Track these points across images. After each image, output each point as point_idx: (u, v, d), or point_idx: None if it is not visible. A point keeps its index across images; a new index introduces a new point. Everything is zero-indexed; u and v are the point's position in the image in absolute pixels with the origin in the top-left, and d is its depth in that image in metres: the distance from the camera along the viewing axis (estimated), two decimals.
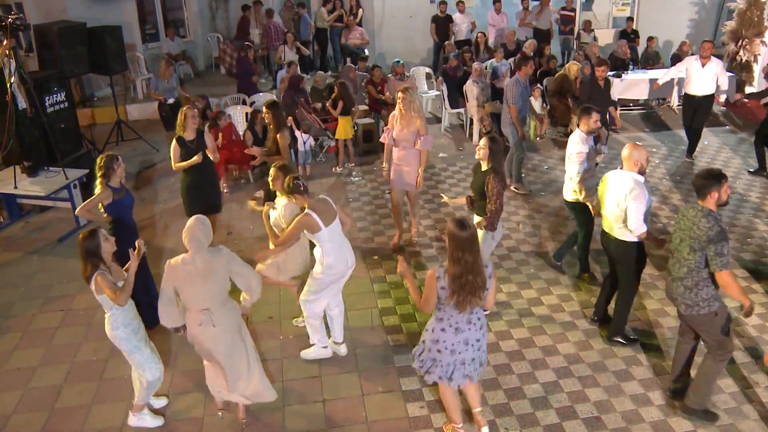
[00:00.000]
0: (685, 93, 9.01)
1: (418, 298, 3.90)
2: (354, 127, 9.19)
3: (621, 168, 4.79)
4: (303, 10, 13.44)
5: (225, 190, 8.20)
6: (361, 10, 13.67)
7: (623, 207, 4.68)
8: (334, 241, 4.72)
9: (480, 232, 5.10)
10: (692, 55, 9.44)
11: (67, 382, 4.95)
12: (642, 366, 4.97)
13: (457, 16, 13.26)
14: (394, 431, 4.42)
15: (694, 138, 9.14)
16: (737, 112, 11.14)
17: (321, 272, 4.79)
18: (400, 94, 6.50)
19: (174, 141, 6.05)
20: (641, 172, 4.70)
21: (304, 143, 8.65)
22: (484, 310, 4.01)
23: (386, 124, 10.06)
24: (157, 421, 4.51)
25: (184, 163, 5.98)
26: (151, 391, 4.45)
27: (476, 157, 5.28)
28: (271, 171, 5.19)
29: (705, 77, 8.70)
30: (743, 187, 8.22)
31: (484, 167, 5.22)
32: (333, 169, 9.00)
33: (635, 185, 4.63)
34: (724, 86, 8.98)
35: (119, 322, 4.15)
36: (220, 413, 4.59)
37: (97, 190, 5.04)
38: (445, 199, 6.03)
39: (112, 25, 9.77)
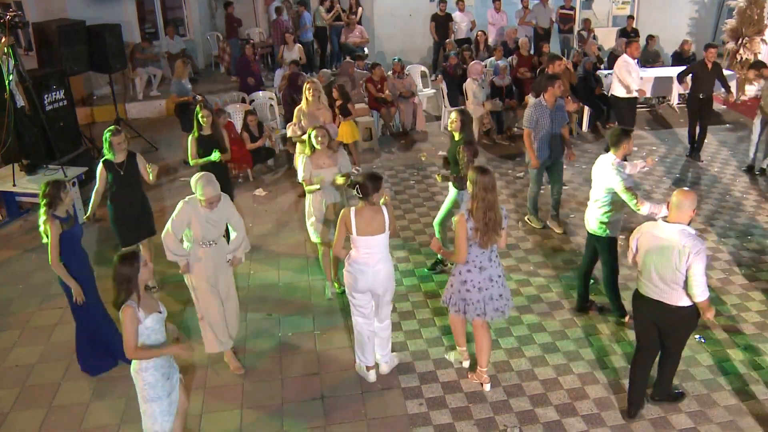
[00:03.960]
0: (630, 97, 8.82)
1: (451, 254, 4.45)
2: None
3: (666, 219, 4.08)
4: (303, 9, 13.42)
5: None
6: (360, 9, 13.66)
7: (681, 268, 3.90)
8: (365, 252, 4.49)
9: (453, 190, 5.91)
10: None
11: (65, 380, 4.94)
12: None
13: (456, 15, 13.26)
14: (393, 428, 4.41)
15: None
16: (737, 110, 11.14)
17: (344, 275, 4.65)
18: (308, 85, 6.82)
19: (101, 164, 5.54)
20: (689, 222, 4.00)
21: None
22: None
23: (385, 123, 10.17)
24: None
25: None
26: None
27: (449, 129, 5.89)
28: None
29: (640, 78, 8.78)
30: (743, 185, 8.22)
31: (457, 137, 5.83)
32: None
33: (695, 240, 3.89)
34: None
35: (150, 363, 3.70)
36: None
37: (43, 221, 4.50)
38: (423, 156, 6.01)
39: (112, 23, 9.76)
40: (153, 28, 13.40)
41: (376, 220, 4.45)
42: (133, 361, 3.71)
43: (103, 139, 5.57)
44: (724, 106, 11.18)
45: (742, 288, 5.93)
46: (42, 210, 4.53)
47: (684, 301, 4.02)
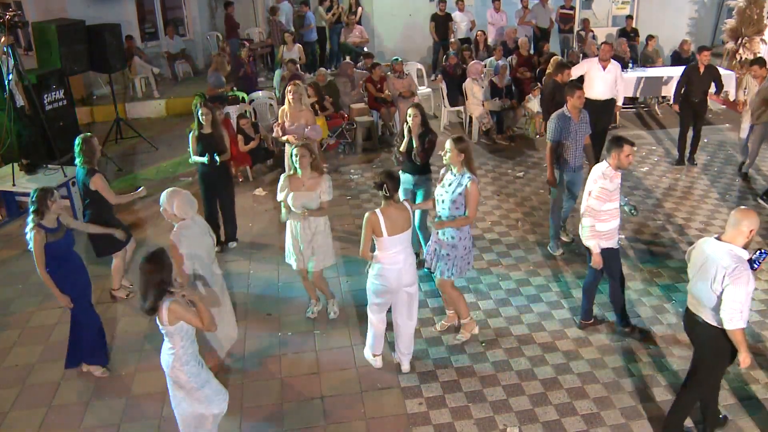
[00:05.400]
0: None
1: (463, 219, 4.82)
2: (350, 125, 9.42)
3: (719, 237, 3.77)
4: (306, 9, 13.41)
5: None
6: (360, 9, 13.66)
7: (716, 289, 3.67)
8: (394, 251, 4.51)
9: (418, 192, 6.00)
10: (595, 57, 8.72)
11: (65, 379, 4.94)
12: (641, 361, 4.97)
13: (456, 15, 13.26)
14: (393, 428, 4.41)
15: (599, 143, 7.80)
16: (737, 110, 11.14)
17: (370, 278, 4.67)
18: (290, 87, 6.97)
19: (99, 175, 5.45)
20: (746, 246, 3.70)
21: None
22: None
23: (385, 123, 10.17)
24: None
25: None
26: (217, 423, 3.97)
27: (410, 125, 5.80)
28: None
29: (606, 81, 8.30)
30: (743, 184, 8.22)
31: (419, 131, 5.82)
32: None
33: (738, 263, 3.60)
34: (622, 91, 8.54)
35: (189, 356, 3.66)
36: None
37: (30, 228, 4.47)
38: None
39: (112, 23, 9.75)
40: (153, 27, 13.39)
41: (402, 217, 4.50)
42: (172, 361, 3.65)
43: (79, 149, 5.38)
44: (724, 106, 11.18)
45: None
46: (30, 217, 4.49)
47: (714, 321, 3.77)
